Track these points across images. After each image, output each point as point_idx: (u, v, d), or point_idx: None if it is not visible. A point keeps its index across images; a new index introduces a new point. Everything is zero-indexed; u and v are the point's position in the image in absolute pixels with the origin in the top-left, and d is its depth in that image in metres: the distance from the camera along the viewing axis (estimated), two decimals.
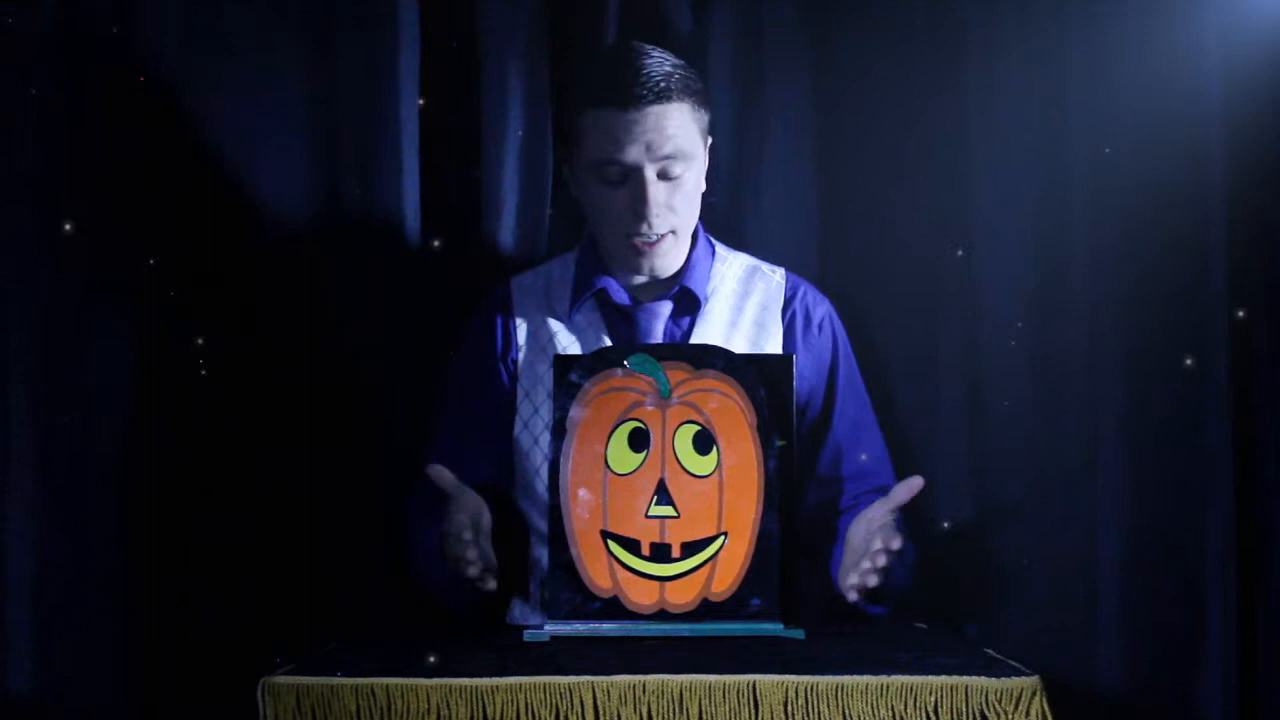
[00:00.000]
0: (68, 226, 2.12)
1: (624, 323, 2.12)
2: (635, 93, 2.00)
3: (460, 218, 2.30)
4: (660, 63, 2.03)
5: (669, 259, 2.09)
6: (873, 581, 1.83)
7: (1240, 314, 2.23)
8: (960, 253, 2.28)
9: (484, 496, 1.92)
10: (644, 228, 2.04)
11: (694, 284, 2.12)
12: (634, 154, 2.01)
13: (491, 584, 1.83)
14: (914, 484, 1.87)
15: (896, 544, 1.83)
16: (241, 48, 2.22)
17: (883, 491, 2.11)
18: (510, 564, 1.95)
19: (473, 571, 1.83)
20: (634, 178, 2.02)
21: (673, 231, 2.07)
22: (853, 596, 1.83)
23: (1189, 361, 2.24)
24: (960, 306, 2.30)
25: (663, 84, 2.01)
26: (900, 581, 1.98)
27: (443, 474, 1.87)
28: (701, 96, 2.08)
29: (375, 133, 2.25)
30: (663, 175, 2.03)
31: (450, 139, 2.30)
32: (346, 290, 2.23)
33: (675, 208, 2.05)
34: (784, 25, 2.34)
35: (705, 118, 2.09)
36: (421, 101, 2.24)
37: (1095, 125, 2.25)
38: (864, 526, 1.88)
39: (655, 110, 2.01)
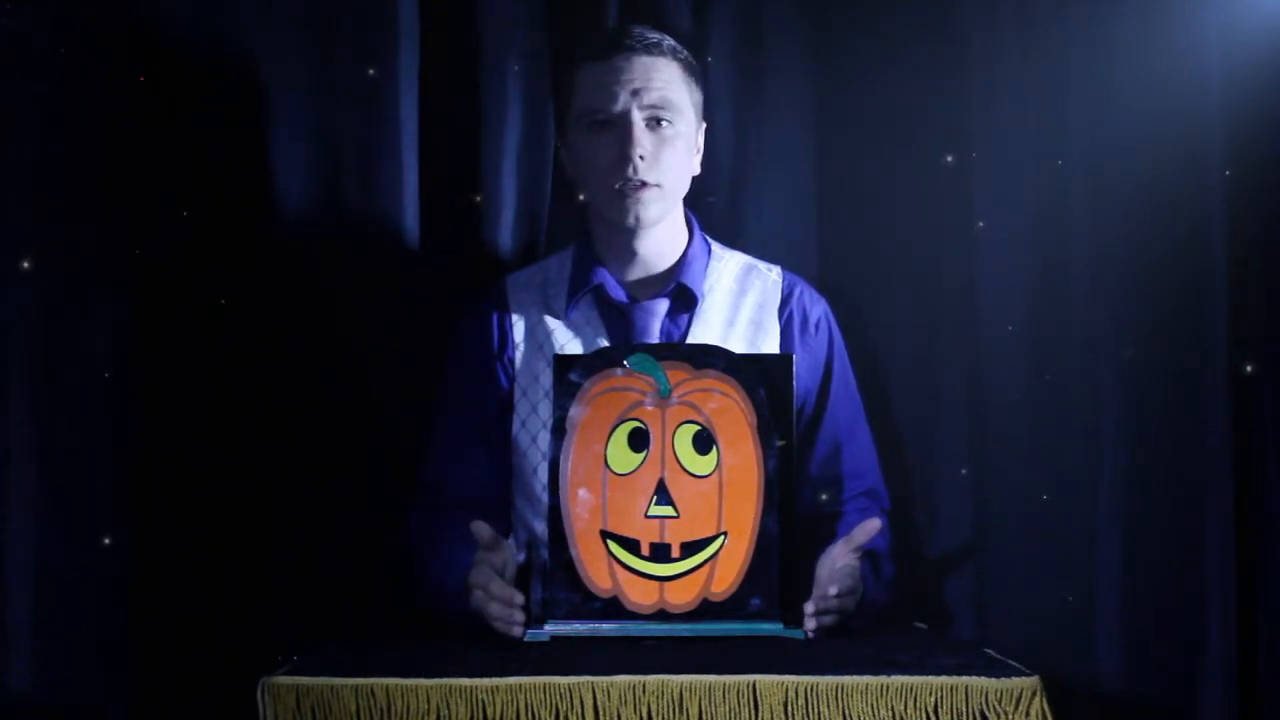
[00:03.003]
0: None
1: (621, 321, 2.12)
2: (624, 44, 2.06)
3: (459, 217, 2.30)
4: (653, 30, 2.10)
5: (653, 210, 2.07)
6: (811, 625, 1.81)
7: (1239, 312, 2.24)
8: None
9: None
10: (630, 170, 2.04)
11: (690, 280, 2.12)
12: (622, 100, 2.04)
13: (518, 631, 1.82)
14: (870, 527, 1.87)
15: (833, 590, 1.82)
16: (242, 48, 2.22)
17: (870, 495, 2.12)
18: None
19: (501, 628, 1.82)
20: (620, 122, 2.04)
21: (658, 185, 2.06)
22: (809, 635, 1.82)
23: (1189, 361, 2.24)
24: (960, 306, 2.30)
25: (652, 39, 2.07)
26: (875, 601, 1.98)
27: (482, 530, 1.85)
28: (693, 68, 2.12)
29: (375, 133, 2.25)
30: (650, 125, 2.05)
31: (450, 139, 2.30)
32: (346, 289, 2.23)
33: (662, 161, 2.05)
34: (784, 25, 2.34)
35: (698, 93, 2.12)
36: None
37: (1095, 125, 2.25)
38: (827, 567, 1.88)
39: (643, 60, 2.05)
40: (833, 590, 1.83)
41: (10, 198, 2.14)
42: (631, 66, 2.05)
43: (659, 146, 2.05)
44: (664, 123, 2.05)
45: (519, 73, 2.31)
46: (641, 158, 2.03)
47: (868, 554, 1.93)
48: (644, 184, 2.05)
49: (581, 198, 2.10)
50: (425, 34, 2.29)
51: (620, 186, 2.05)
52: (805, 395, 2.13)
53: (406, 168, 2.26)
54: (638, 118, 2.04)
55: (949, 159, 2.30)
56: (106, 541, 2.13)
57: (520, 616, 1.82)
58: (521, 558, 1.93)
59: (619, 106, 2.04)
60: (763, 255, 2.22)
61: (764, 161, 2.34)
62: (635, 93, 2.04)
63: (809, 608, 1.81)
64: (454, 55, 2.30)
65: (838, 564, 1.86)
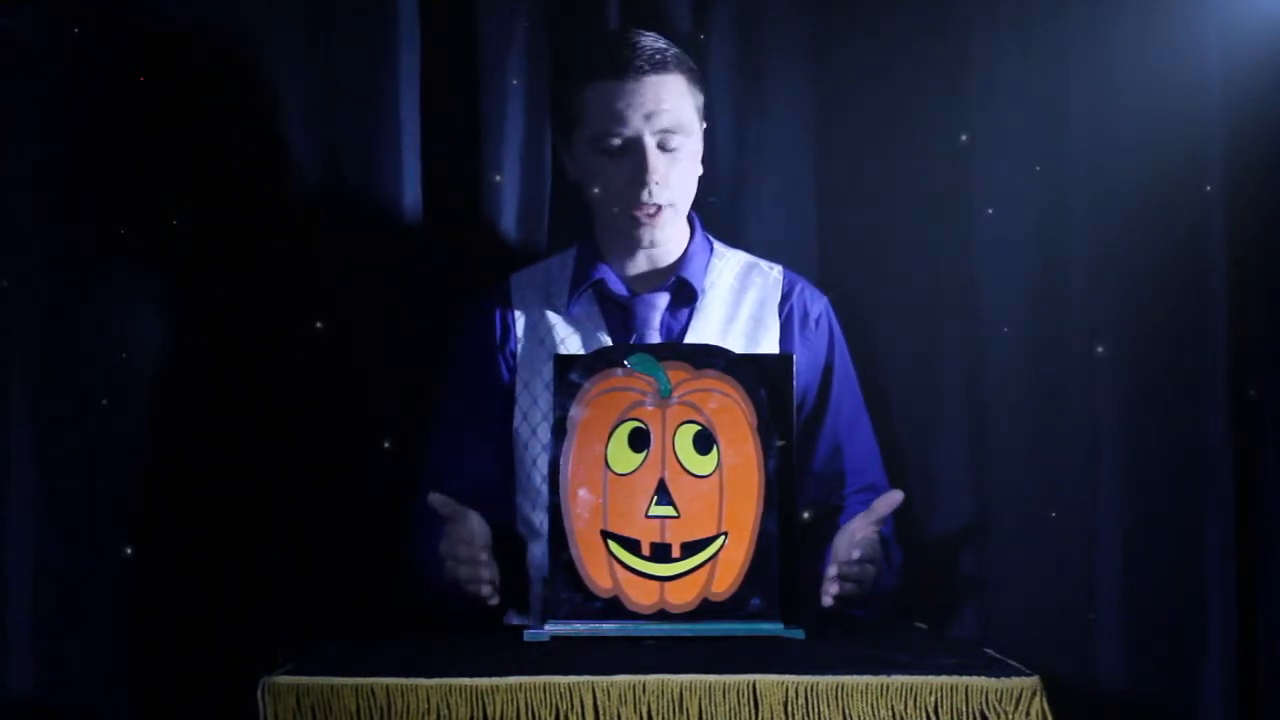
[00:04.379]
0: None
1: (621, 315, 2.12)
2: (633, 64, 2.05)
3: (460, 217, 2.30)
4: (655, 39, 2.09)
5: (668, 231, 2.10)
6: (834, 590, 1.84)
7: (1239, 313, 2.24)
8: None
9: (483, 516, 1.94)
10: (645, 195, 2.05)
11: (691, 275, 2.13)
12: (634, 124, 2.05)
13: (494, 599, 1.85)
14: (893, 498, 1.88)
15: (856, 554, 1.85)
16: (241, 49, 2.22)
17: (872, 490, 2.12)
18: (508, 580, 1.96)
19: (471, 590, 1.86)
20: (634, 147, 2.05)
21: (671, 205, 2.08)
22: (826, 602, 1.84)
23: (1189, 361, 2.24)
24: (960, 306, 2.30)
25: (659, 56, 2.06)
26: (887, 586, 1.99)
27: (441, 503, 1.87)
28: (696, 75, 2.12)
29: (375, 133, 2.25)
30: (661, 146, 2.06)
31: (450, 139, 2.30)
32: (346, 290, 2.23)
33: (672, 180, 2.07)
34: (784, 24, 2.34)
35: (700, 98, 2.13)
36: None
37: (1096, 125, 2.26)
38: (846, 538, 1.89)
39: (653, 80, 2.05)
40: (856, 554, 1.84)
41: (9, 197, 2.15)
42: (642, 89, 2.04)
43: (670, 167, 2.07)
44: (674, 145, 2.06)
45: (519, 72, 2.30)
46: (657, 183, 2.05)
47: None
48: (659, 208, 2.07)
49: (596, 190, 2.10)
50: (425, 34, 2.29)
51: (635, 212, 2.07)
52: (806, 391, 2.14)
53: (406, 168, 2.26)
54: (650, 143, 2.05)
55: (948, 158, 2.30)
56: (107, 541, 2.13)
57: (486, 575, 1.85)
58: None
59: (632, 131, 2.05)
60: (763, 255, 2.22)
61: (764, 161, 2.34)
62: (648, 117, 2.04)
63: (831, 571, 1.83)
64: (454, 55, 2.30)
65: (857, 536, 1.87)
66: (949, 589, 2.26)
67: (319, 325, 2.19)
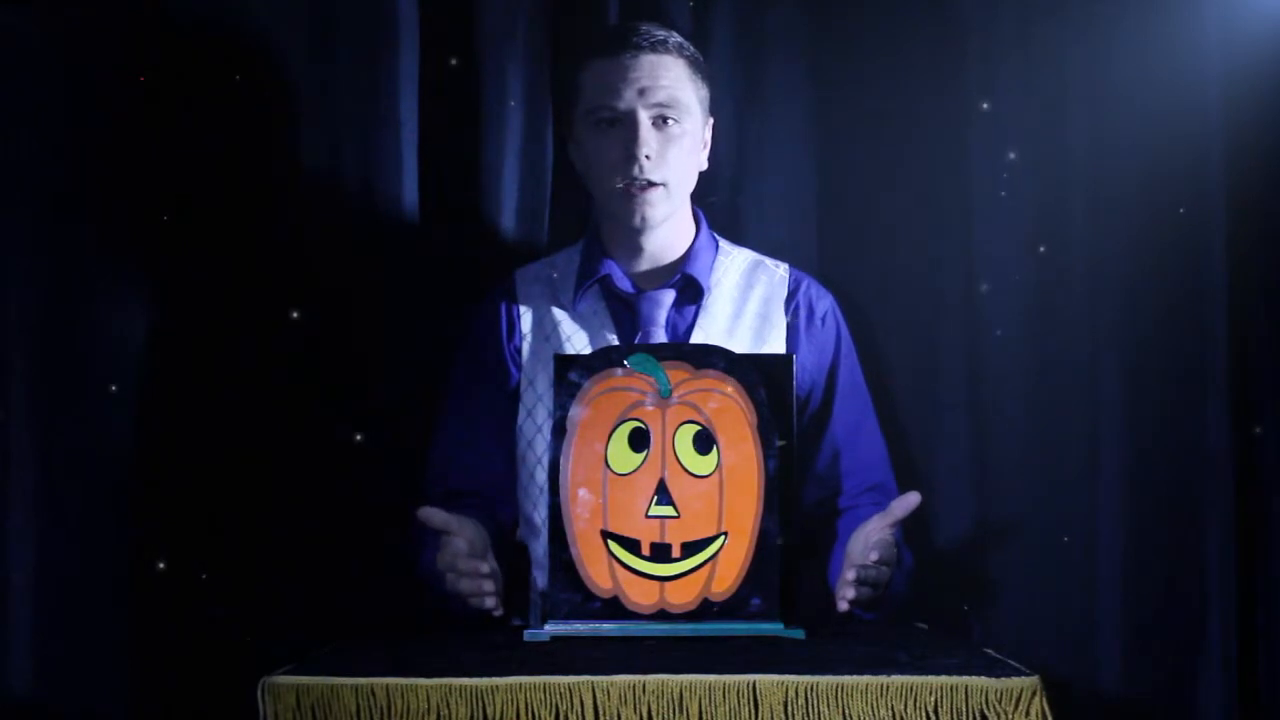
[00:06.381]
0: None
1: (627, 311, 2.12)
2: (631, 41, 2.06)
3: (460, 217, 2.30)
4: (657, 26, 2.10)
5: (659, 210, 2.08)
6: (851, 594, 1.83)
7: (1240, 317, 2.25)
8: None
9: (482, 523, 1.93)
10: (635, 169, 2.04)
11: (696, 272, 2.13)
12: (628, 98, 2.04)
13: (499, 610, 1.84)
14: (910, 500, 1.87)
15: (874, 555, 1.84)
16: (242, 48, 2.22)
17: (879, 490, 2.12)
18: (512, 584, 1.96)
19: (474, 604, 1.84)
20: (627, 121, 2.05)
21: (665, 184, 2.07)
22: (842, 606, 1.83)
23: (1189, 362, 2.24)
24: (959, 306, 2.30)
25: (658, 37, 2.07)
26: (897, 590, 1.98)
27: (432, 515, 1.85)
28: (700, 65, 2.12)
29: (375, 133, 2.25)
30: (657, 124, 2.05)
31: (450, 139, 2.30)
32: (346, 291, 2.23)
33: (668, 159, 2.06)
34: (784, 25, 2.35)
35: (704, 90, 2.12)
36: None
37: (1096, 124, 2.26)
38: (861, 540, 1.88)
39: (650, 59, 2.06)
40: (874, 556, 1.83)
41: (9, 197, 2.15)
42: (638, 64, 2.05)
43: (665, 145, 2.06)
44: (670, 121, 2.06)
45: (519, 72, 2.30)
46: (648, 157, 2.04)
47: None
48: (650, 184, 2.05)
49: (591, 169, 2.09)
50: (425, 34, 2.28)
51: (626, 186, 2.05)
52: (812, 388, 2.13)
53: (406, 168, 2.26)
54: (644, 117, 2.04)
55: (948, 159, 2.30)
56: (107, 541, 2.13)
57: (489, 586, 1.83)
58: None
59: (625, 105, 2.05)
60: (763, 254, 2.22)
61: (764, 161, 2.34)
62: (641, 91, 2.04)
63: (849, 575, 1.82)
64: (454, 55, 2.30)
65: (873, 538, 1.87)
66: (949, 589, 2.26)
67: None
